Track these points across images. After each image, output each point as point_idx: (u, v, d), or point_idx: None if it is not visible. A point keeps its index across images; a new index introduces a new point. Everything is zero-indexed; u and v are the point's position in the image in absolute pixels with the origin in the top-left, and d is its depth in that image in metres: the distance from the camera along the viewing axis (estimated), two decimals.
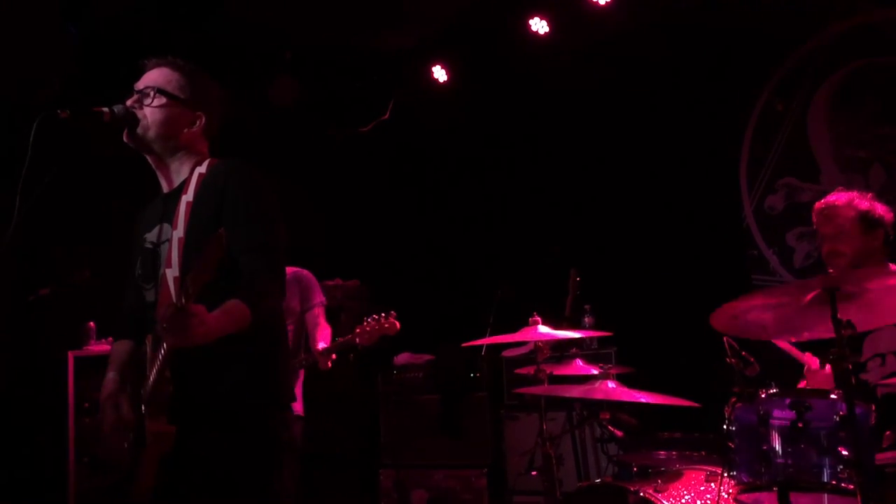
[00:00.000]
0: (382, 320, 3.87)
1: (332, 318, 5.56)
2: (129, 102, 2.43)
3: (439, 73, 5.94)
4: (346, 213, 6.15)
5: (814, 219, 3.46)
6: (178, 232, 2.35)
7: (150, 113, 2.42)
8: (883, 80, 4.42)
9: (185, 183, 2.42)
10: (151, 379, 2.23)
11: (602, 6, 5.09)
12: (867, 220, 3.34)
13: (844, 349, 2.36)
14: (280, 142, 5.71)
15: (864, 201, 3.39)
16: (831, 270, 3.32)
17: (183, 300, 1.97)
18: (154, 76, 2.47)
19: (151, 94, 2.43)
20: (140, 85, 2.47)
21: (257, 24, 5.45)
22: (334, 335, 4.01)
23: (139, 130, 2.42)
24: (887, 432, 2.68)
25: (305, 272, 4.19)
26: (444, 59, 5.92)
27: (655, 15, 5.14)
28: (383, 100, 6.07)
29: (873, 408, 2.55)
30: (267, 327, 2.31)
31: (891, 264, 3.36)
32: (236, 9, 5.25)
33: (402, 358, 5.54)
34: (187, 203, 2.37)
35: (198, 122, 2.49)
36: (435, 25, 5.83)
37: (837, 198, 3.40)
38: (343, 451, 5.31)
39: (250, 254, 2.27)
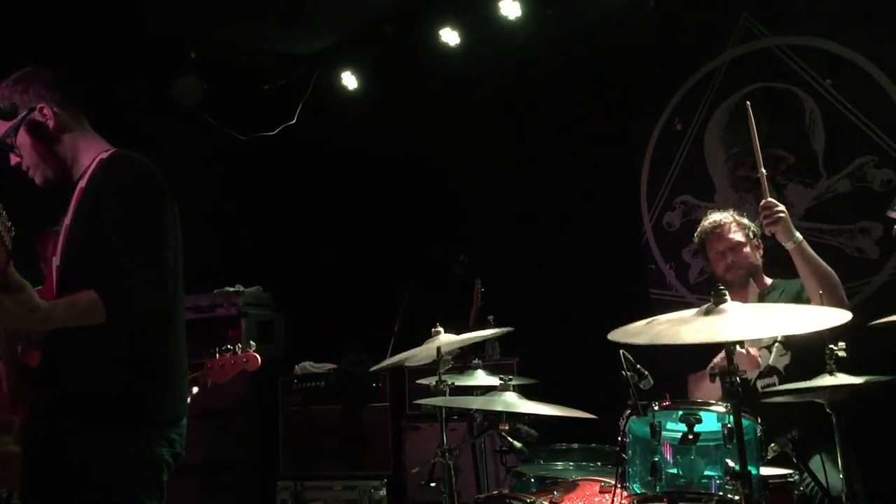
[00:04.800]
0: (240, 354, 3.21)
1: (234, 325, 5.46)
2: None
3: (349, 80, 5.89)
4: (250, 218, 6.02)
5: (701, 238, 3.57)
6: (68, 219, 2.31)
7: (21, 150, 2.37)
8: (774, 103, 4.59)
9: (86, 170, 2.37)
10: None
11: (512, 20, 5.14)
12: (753, 237, 3.51)
13: (732, 364, 2.43)
14: (185, 143, 5.54)
15: (744, 219, 3.56)
16: (729, 278, 3.44)
17: None
18: None
19: None
20: None
21: (161, 23, 5.29)
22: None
23: (44, 177, 2.39)
24: (771, 444, 2.77)
25: None
26: (354, 66, 5.88)
27: (567, 31, 5.22)
28: (291, 104, 5.97)
29: (759, 420, 2.63)
30: (134, 329, 2.20)
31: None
32: (140, 7, 5.08)
33: (303, 367, 5.43)
34: (80, 189, 2.33)
35: (48, 114, 2.37)
36: (346, 32, 5.79)
37: (722, 217, 3.55)
38: (240, 461, 5.17)
39: (129, 251, 2.16)
